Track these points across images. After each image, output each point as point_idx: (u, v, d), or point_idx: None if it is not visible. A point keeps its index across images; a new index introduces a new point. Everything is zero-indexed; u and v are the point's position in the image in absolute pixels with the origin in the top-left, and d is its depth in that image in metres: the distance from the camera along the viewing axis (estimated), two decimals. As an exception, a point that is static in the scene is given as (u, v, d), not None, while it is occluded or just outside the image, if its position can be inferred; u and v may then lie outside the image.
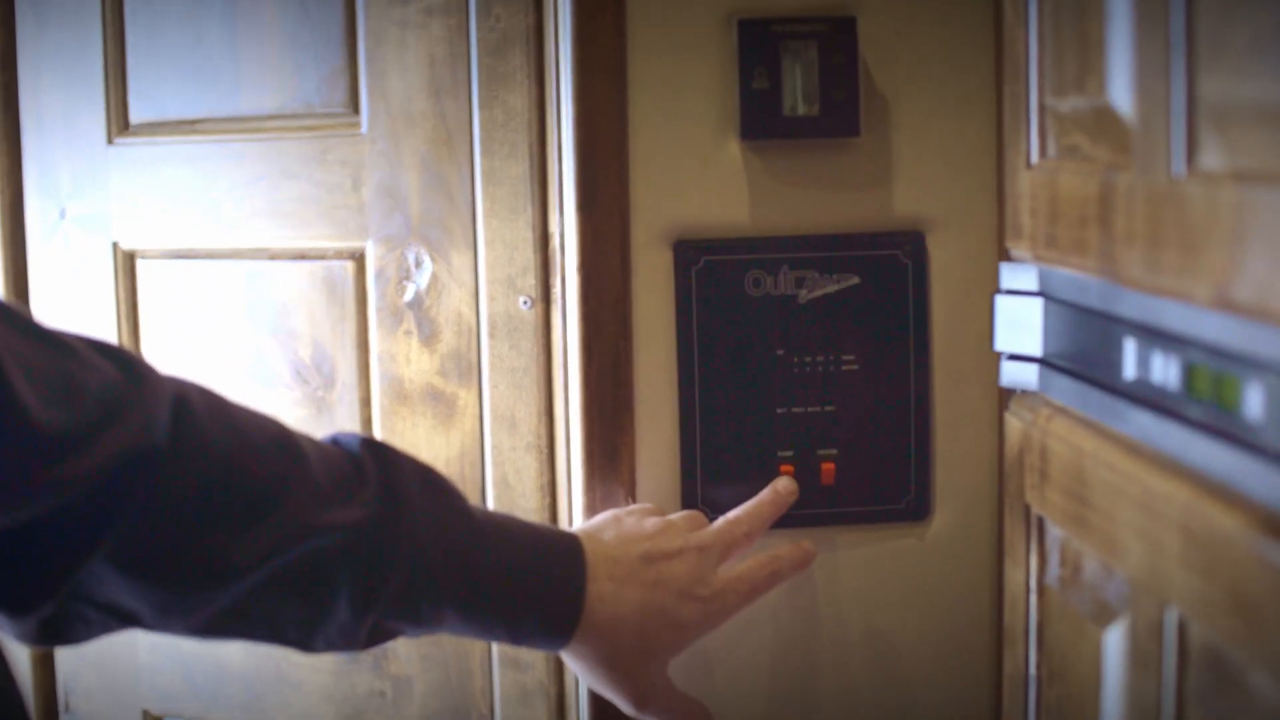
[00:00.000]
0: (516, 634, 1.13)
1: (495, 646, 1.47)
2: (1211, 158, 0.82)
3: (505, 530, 1.12)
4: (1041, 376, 1.11)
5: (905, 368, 1.26)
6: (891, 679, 1.30)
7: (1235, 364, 0.81)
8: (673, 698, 1.20)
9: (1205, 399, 0.84)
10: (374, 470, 1.06)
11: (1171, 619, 0.87)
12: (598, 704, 1.29)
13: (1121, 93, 0.93)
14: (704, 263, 1.24)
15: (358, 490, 1.04)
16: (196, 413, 0.99)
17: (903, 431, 1.26)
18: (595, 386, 1.27)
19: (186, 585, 1.00)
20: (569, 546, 1.14)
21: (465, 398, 1.45)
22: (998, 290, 1.15)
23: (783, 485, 1.25)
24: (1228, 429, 0.82)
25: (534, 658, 1.41)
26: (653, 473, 1.27)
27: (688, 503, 1.27)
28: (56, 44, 1.63)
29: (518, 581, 1.11)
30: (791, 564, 1.22)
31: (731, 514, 1.23)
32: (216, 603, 1.01)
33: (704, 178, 1.24)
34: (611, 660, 1.15)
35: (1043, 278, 1.11)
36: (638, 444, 1.27)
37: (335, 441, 1.07)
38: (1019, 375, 1.14)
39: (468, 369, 1.47)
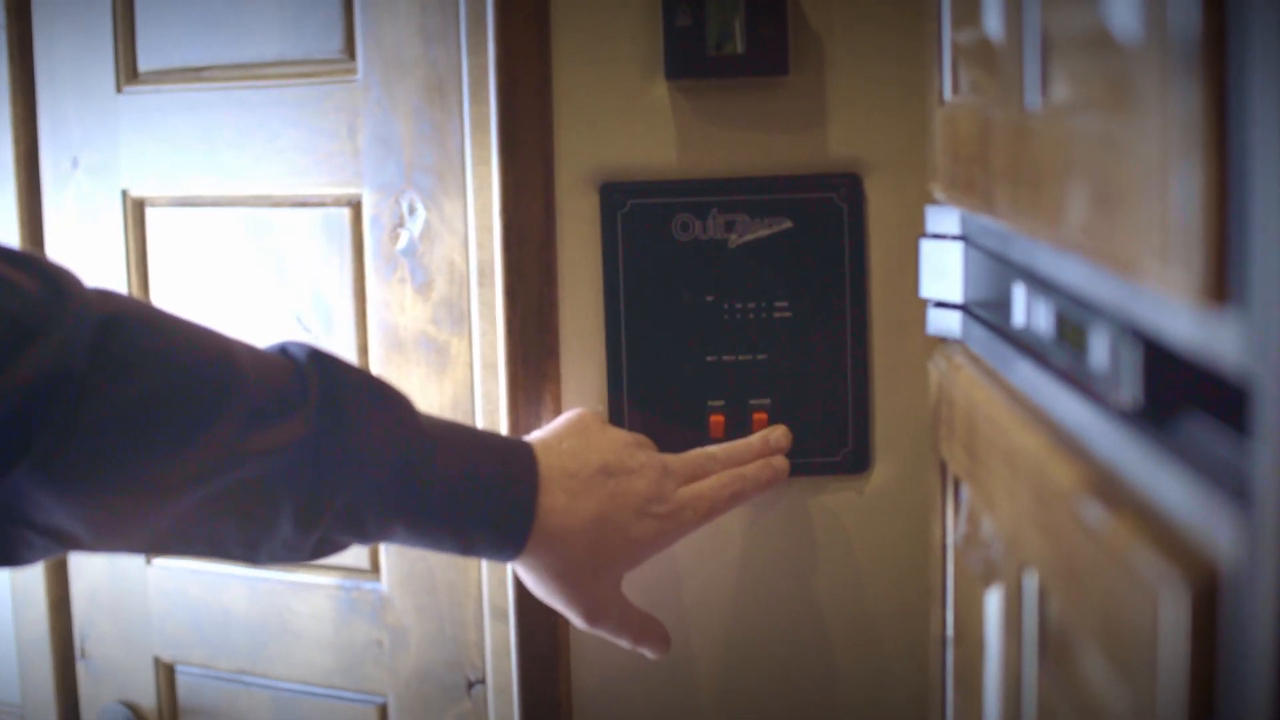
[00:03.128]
0: (466, 545, 1.10)
1: (486, 599, 1.46)
2: (1059, 89, 0.77)
3: (456, 441, 1.09)
4: (963, 325, 1.06)
5: (841, 315, 1.21)
6: (827, 636, 1.26)
7: (1083, 310, 0.76)
8: (626, 612, 1.17)
9: (1070, 347, 0.79)
10: (317, 383, 1.02)
11: (1032, 583, 0.83)
12: (582, 654, 1.28)
13: (994, 22, 0.88)
14: (630, 206, 1.20)
15: (299, 405, 1.01)
16: (127, 331, 0.96)
17: (839, 381, 1.22)
18: (519, 332, 1.24)
19: (121, 507, 0.97)
20: (522, 457, 1.11)
21: (457, 346, 1.44)
22: (923, 235, 1.10)
23: (776, 435, 1.22)
24: (1081, 379, 0.77)
25: (521, 610, 1.40)
26: (580, 422, 1.24)
27: (617, 454, 1.24)
28: (68, -7, 1.64)
29: (466, 493, 1.08)
30: (756, 483, 1.18)
31: (710, 448, 1.19)
32: (154, 523, 0.99)
33: (630, 119, 1.20)
34: (562, 573, 1.12)
35: (964, 221, 1.06)
36: (563, 392, 1.25)
37: (284, 351, 1.04)
38: (943, 323, 1.09)
39: (459, 317, 1.45)
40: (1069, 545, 0.74)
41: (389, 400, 1.07)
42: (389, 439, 1.05)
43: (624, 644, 1.19)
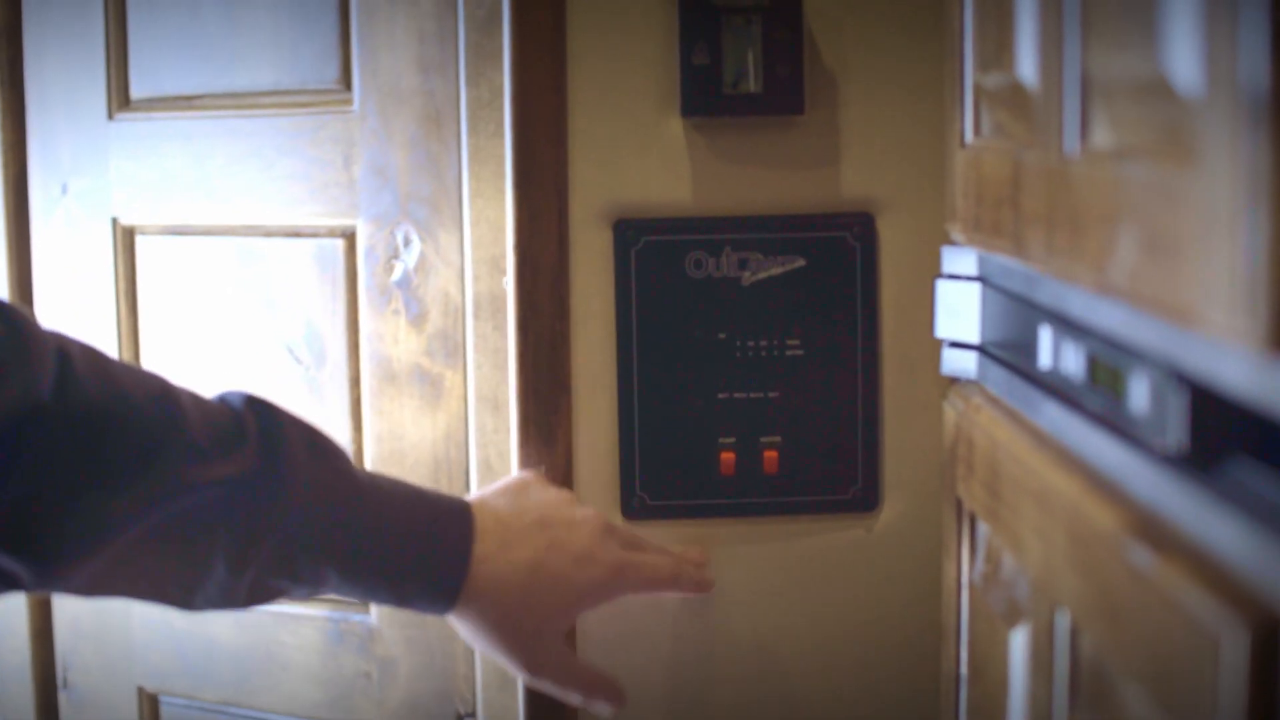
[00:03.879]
0: (400, 596, 1.10)
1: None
2: (1101, 135, 0.77)
3: (390, 493, 1.10)
4: (980, 365, 1.07)
5: (853, 354, 1.22)
6: (835, 674, 1.26)
7: (1121, 354, 0.77)
8: (570, 665, 1.17)
9: (1105, 390, 0.80)
10: (254, 428, 1.03)
11: (1064, 623, 0.83)
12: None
13: (1028, 67, 0.88)
14: (644, 243, 1.21)
15: (236, 447, 1.02)
16: (77, 370, 0.97)
17: (849, 419, 1.22)
18: (531, 367, 1.24)
19: (63, 546, 0.98)
20: (457, 509, 1.12)
21: (451, 379, 1.43)
22: (939, 275, 1.11)
23: (694, 554, 1.23)
24: (1118, 422, 0.78)
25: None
26: (590, 457, 1.24)
27: (626, 490, 1.24)
28: (60, 19, 1.63)
29: (400, 543, 1.08)
30: (691, 581, 1.20)
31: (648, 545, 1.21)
32: (94, 562, 0.99)
33: (645, 156, 1.20)
34: (499, 625, 1.11)
35: (982, 262, 1.06)
36: (575, 427, 1.24)
37: (222, 399, 1.05)
38: (959, 363, 1.10)
39: (454, 349, 1.45)
40: (1110, 586, 0.75)
41: (325, 449, 1.07)
42: (324, 485, 1.06)
43: (573, 699, 1.18)
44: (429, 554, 1.09)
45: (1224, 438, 0.68)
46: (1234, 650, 0.60)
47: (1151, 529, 0.72)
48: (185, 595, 1.04)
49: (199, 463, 1.00)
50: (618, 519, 1.25)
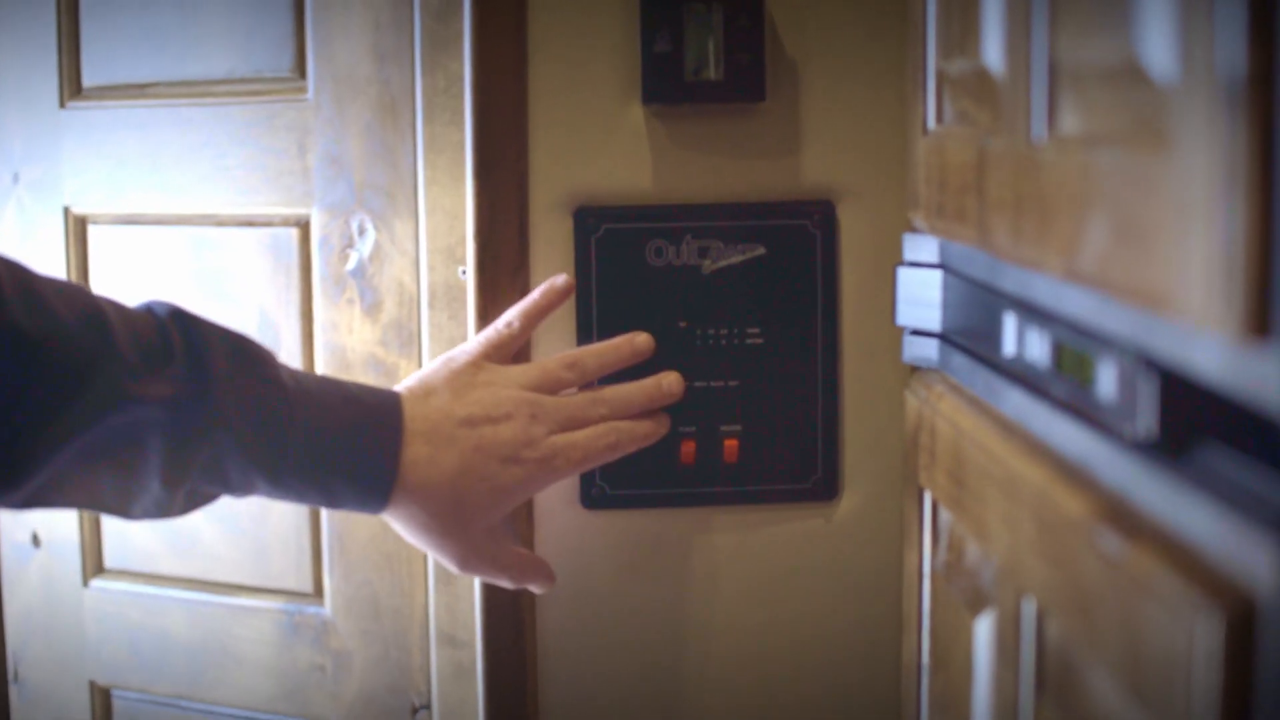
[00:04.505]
0: (330, 498, 1.11)
1: (433, 623, 1.45)
2: (1070, 121, 0.77)
3: (319, 396, 1.10)
4: (941, 353, 1.07)
5: (813, 342, 1.22)
6: (796, 664, 1.26)
7: (1089, 340, 0.77)
8: (500, 555, 1.18)
9: (1071, 377, 0.80)
10: (180, 343, 1.03)
11: (1030, 611, 0.83)
12: (531, 679, 1.27)
13: (994, 53, 0.88)
14: (604, 231, 1.20)
15: (164, 364, 1.02)
16: (4, 293, 0.97)
17: (810, 408, 1.22)
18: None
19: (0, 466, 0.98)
20: (387, 411, 1.12)
21: (406, 369, 1.43)
22: (900, 262, 1.11)
23: (668, 380, 1.21)
24: (1086, 409, 0.78)
25: (469, 635, 1.39)
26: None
27: (585, 478, 1.24)
28: (11, 7, 1.61)
29: (328, 449, 1.09)
30: (632, 437, 1.19)
31: (597, 390, 1.19)
32: (32, 480, 1.00)
33: (606, 144, 1.20)
34: (428, 524, 1.13)
35: (943, 250, 1.06)
36: (535, 417, 1.23)
37: (149, 310, 1.05)
38: (920, 351, 1.10)
39: (408, 339, 1.44)
40: (1079, 574, 0.75)
41: (250, 356, 1.07)
42: (251, 395, 1.06)
43: (505, 584, 1.20)
44: (357, 459, 1.10)
45: (1194, 424, 0.68)
46: (1209, 635, 0.60)
47: (1121, 516, 0.72)
48: (123, 505, 1.05)
49: (129, 380, 1.00)
50: (577, 508, 1.24)
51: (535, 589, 1.22)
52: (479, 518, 1.14)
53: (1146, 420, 0.70)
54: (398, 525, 1.15)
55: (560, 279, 1.20)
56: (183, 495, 1.06)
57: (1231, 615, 0.60)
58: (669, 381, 1.21)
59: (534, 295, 1.20)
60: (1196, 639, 0.61)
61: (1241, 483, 0.63)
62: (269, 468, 1.07)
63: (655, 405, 1.20)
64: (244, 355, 1.07)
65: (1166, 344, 0.67)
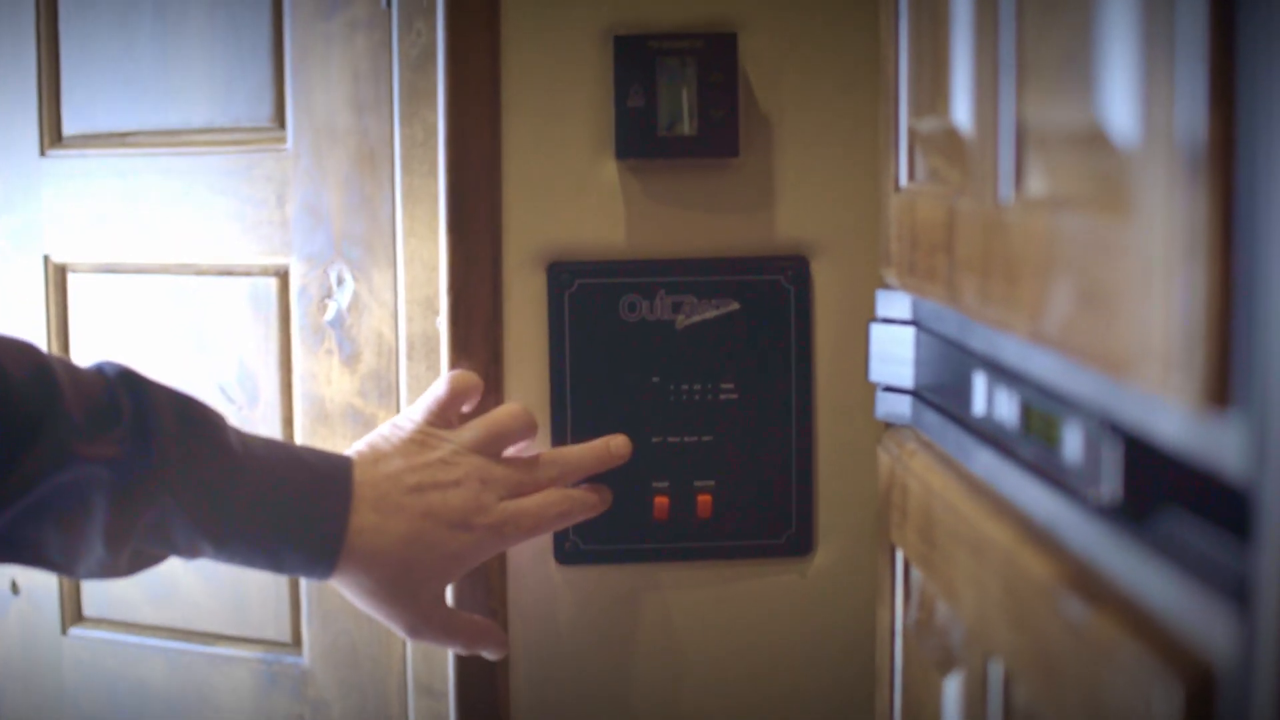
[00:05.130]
0: (277, 565, 1.11)
1: (410, 673, 1.45)
2: (1036, 182, 0.77)
3: (267, 461, 1.09)
4: (914, 409, 1.07)
5: (787, 397, 1.21)
6: (771, 719, 1.25)
7: (1056, 403, 0.76)
8: (450, 621, 1.17)
9: (1038, 439, 0.79)
10: (128, 405, 1.03)
11: (997, 673, 0.83)
12: None
13: (963, 113, 0.88)
14: (578, 286, 1.20)
15: (111, 425, 1.01)
16: None
17: (784, 464, 1.22)
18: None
19: None
20: (335, 477, 1.11)
21: (385, 419, 1.42)
22: (873, 319, 1.10)
23: (615, 443, 1.20)
24: (1052, 471, 0.78)
25: (445, 686, 1.38)
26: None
27: (559, 538, 1.23)
28: (-10, 56, 1.62)
29: (273, 514, 1.08)
30: (584, 506, 1.19)
31: (546, 453, 1.19)
32: None
33: (579, 198, 1.19)
34: (375, 591, 1.12)
35: (915, 306, 1.06)
36: (507, 472, 1.23)
37: (99, 370, 1.04)
38: (893, 407, 1.10)
39: (387, 389, 1.44)
40: (1044, 638, 0.74)
41: (198, 420, 1.07)
42: (196, 459, 1.05)
43: (458, 650, 1.21)
44: (304, 526, 1.09)
45: (1158, 489, 0.68)
46: (1168, 704, 0.60)
47: (1085, 581, 0.72)
48: (68, 564, 1.04)
49: (76, 440, 0.99)
50: (551, 563, 1.23)
51: (488, 655, 1.21)
52: (428, 585, 1.14)
53: (1111, 485, 0.70)
54: (346, 592, 1.15)
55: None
56: (127, 556, 1.05)
57: (1190, 684, 0.59)
58: (616, 444, 1.21)
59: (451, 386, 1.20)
60: (1155, 708, 0.61)
61: (1204, 550, 0.63)
62: (213, 531, 1.06)
63: (604, 467, 1.20)
64: (192, 418, 1.06)
65: (1130, 409, 0.67)
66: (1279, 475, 0.54)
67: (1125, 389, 0.67)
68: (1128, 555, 0.69)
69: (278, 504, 1.08)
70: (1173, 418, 0.62)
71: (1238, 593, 0.58)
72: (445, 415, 1.18)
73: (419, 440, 1.16)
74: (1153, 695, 0.61)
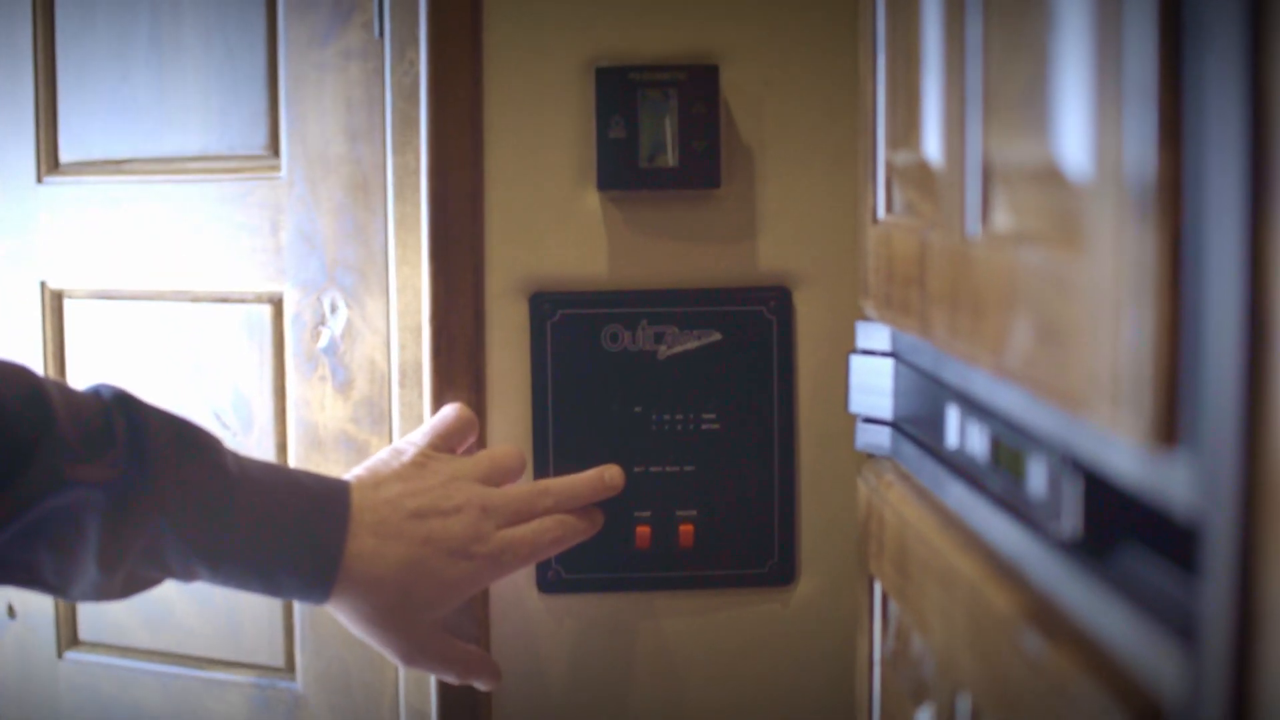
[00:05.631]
0: (272, 588, 1.10)
1: (403, 699, 1.45)
2: (1001, 218, 0.77)
3: (264, 484, 1.09)
4: (893, 441, 1.07)
5: (769, 428, 1.22)
6: (752, 750, 1.25)
7: (1021, 437, 0.77)
8: (446, 650, 1.17)
9: (1007, 473, 0.80)
10: (123, 426, 1.03)
11: (964, 706, 0.83)
12: None
13: (934, 147, 0.88)
14: (560, 316, 1.20)
15: (105, 447, 1.01)
16: None
17: (766, 494, 1.22)
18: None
19: None
20: (333, 500, 1.11)
21: (378, 446, 1.43)
22: (852, 350, 1.11)
23: (610, 474, 1.21)
24: (1018, 505, 0.78)
25: (433, 709, 1.38)
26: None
27: (541, 568, 1.23)
28: (-12, 82, 1.63)
29: (270, 538, 1.08)
30: (575, 530, 1.18)
31: (542, 483, 1.19)
32: None
33: (562, 229, 1.20)
34: (371, 617, 1.12)
35: (894, 338, 1.06)
36: (490, 501, 1.23)
37: (95, 393, 1.04)
38: (872, 438, 1.10)
39: (380, 416, 1.44)
40: (1006, 672, 0.74)
41: (193, 443, 1.06)
42: (191, 482, 1.05)
43: (451, 680, 1.20)
44: (300, 549, 1.09)
45: (1118, 525, 0.68)
46: (1119, 742, 0.60)
47: (1045, 615, 0.72)
48: (62, 585, 1.04)
49: (69, 462, 0.99)
50: (533, 591, 1.24)
51: (481, 686, 1.21)
52: (425, 612, 1.13)
53: (1071, 520, 0.70)
54: (342, 617, 1.14)
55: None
56: (122, 578, 1.05)
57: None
58: (610, 475, 1.21)
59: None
60: (1107, 745, 0.61)
61: (1158, 587, 0.63)
62: (208, 554, 1.06)
63: (598, 497, 1.20)
64: (187, 441, 1.06)
65: (1090, 445, 0.67)
66: (1226, 512, 0.54)
67: (1086, 425, 0.67)
68: (1085, 590, 0.69)
69: (274, 526, 1.08)
70: (1127, 454, 0.62)
71: (1186, 629, 0.58)
72: (448, 442, 1.18)
73: (419, 463, 1.16)
74: (1104, 732, 0.61)
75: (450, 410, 1.19)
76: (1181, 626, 0.59)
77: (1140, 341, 0.57)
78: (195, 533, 1.05)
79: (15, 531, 0.99)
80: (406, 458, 1.16)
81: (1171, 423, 0.57)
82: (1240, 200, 0.52)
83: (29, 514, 0.99)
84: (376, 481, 1.15)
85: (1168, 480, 0.58)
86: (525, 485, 1.18)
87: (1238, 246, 0.52)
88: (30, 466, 0.98)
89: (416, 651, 1.15)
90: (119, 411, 1.04)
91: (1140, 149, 0.57)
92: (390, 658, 1.16)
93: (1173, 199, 0.56)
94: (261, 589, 1.10)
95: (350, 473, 1.16)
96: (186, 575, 1.07)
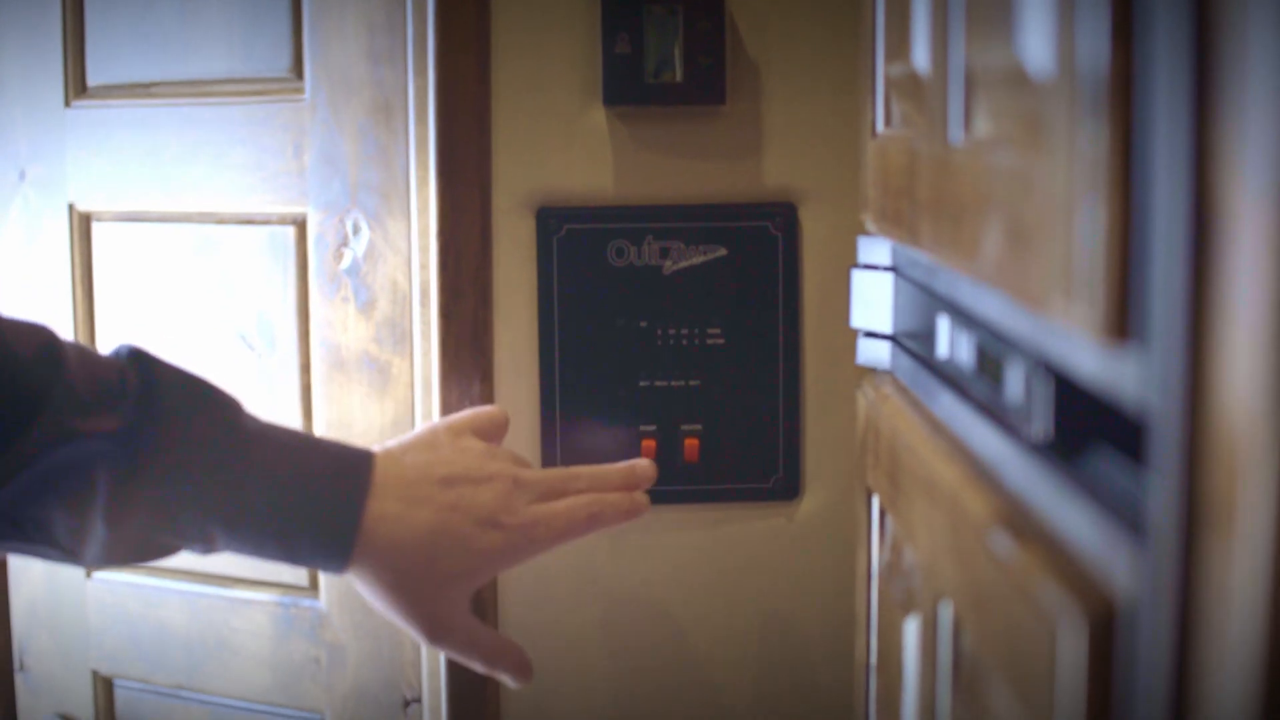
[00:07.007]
0: (292, 554, 1.05)
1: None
2: (981, 124, 0.77)
3: (283, 446, 1.05)
4: (892, 355, 1.07)
5: (774, 343, 1.22)
6: (755, 661, 1.26)
7: (1000, 343, 0.77)
8: (475, 632, 1.11)
9: (989, 380, 0.80)
10: (135, 381, 1.01)
11: (947, 613, 0.83)
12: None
13: (922, 57, 0.88)
14: (566, 231, 1.21)
15: (116, 400, 1.00)
16: None
17: (771, 409, 1.22)
18: (454, 354, 1.24)
19: None
20: (355, 464, 1.07)
21: (399, 366, 1.44)
22: (855, 265, 1.11)
23: (642, 466, 1.15)
24: (998, 411, 0.78)
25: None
26: (511, 443, 1.24)
27: (547, 479, 1.24)
28: (17, 8, 1.64)
29: (288, 499, 1.03)
30: (617, 511, 1.12)
31: (574, 468, 1.14)
32: None
33: (568, 145, 1.20)
34: (396, 586, 1.06)
35: (895, 252, 1.06)
36: (496, 415, 1.24)
37: (115, 353, 1.03)
38: (873, 353, 1.10)
39: (401, 337, 1.45)
40: (979, 576, 0.75)
41: (209, 400, 1.04)
42: (205, 439, 1.02)
43: (476, 667, 1.13)
44: (318, 511, 1.04)
45: (1087, 427, 0.68)
46: (1072, 639, 0.60)
47: (1016, 518, 0.72)
48: (74, 547, 1.01)
49: (78, 414, 0.98)
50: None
51: (510, 681, 1.15)
52: (453, 584, 1.08)
53: (1042, 422, 0.70)
54: (364, 589, 1.09)
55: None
56: (133, 540, 1.02)
57: (1093, 618, 0.59)
58: (643, 467, 1.15)
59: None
60: (1061, 642, 0.61)
61: (1121, 487, 0.63)
62: (222, 514, 1.03)
63: (630, 487, 1.14)
64: (202, 397, 1.04)
65: (1056, 347, 0.67)
66: (1175, 406, 0.54)
67: (1051, 328, 0.67)
68: (1051, 491, 0.69)
69: (292, 487, 1.04)
70: (1085, 353, 0.62)
71: (1137, 525, 0.58)
72: (483, 434, 1.15)
73: (453, 438, 1.12)
74: (1058, 630, 0.61)
75: (490, 407, 1.16)
76: (1134, 523, 0.59)
77: (1094, 237, 0.57)
78: (209, 491, 1.02)
79: (24, 485, 0.98)
80: (441, 427, 1.13)
81: (1123, 317, 0.57)
82: (1188, 97, 0.51)
83: (36, 466, 0.98)
84: (404, 449, 1.11)
85: (1121, 376, 0.59)
86: (558, 469, 1.15)
87: (1185, 143, 0.52)
88: (38, 418, 0.97)
89: (441, 629, 1.09)
90: (133, 367, 1.02)
91: (1094, 46, 0.57)
92: (414, 635, 1.11)
93: (1124, 96, 0.56)
94: (279, 554, 1.06)
95: (379, 445, 1.13)
96: (203, 540, 1.04)
